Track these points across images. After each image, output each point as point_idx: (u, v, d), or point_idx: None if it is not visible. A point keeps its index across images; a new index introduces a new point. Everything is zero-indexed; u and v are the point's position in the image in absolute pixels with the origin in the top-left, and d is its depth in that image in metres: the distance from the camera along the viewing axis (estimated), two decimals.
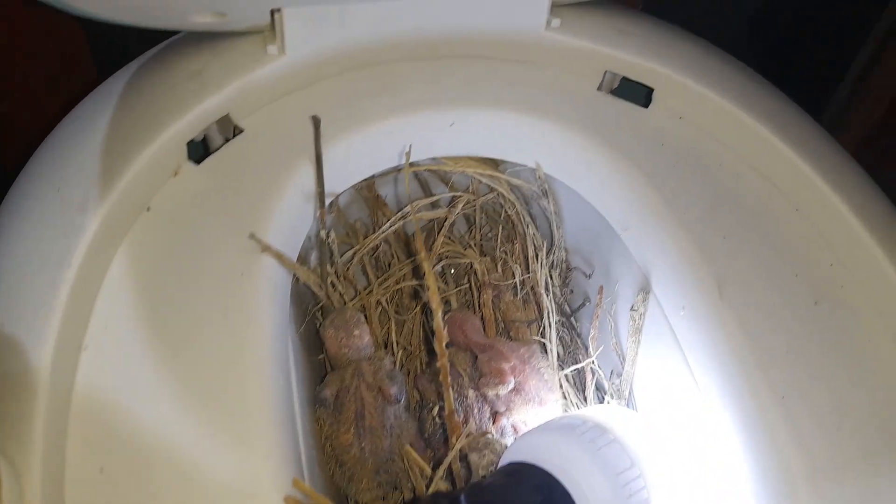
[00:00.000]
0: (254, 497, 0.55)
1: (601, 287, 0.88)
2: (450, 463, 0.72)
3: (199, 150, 0.72)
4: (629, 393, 0.85)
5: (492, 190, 0.93)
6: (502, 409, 0.82)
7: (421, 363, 0.91)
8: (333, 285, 0.86)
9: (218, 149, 0.73)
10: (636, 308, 0.81)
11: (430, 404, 0.83)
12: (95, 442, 0.56)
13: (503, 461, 0.72)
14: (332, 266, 0.87)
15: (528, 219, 0.91)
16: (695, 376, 0.72)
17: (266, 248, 0.70)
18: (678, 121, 0.86)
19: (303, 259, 0.82)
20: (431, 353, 0.92)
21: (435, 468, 0.79)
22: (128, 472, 0.55)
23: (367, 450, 0.74)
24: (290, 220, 0.75)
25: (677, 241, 0.76)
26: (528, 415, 0.82)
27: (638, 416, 0.76)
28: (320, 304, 0.83)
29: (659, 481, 0.67)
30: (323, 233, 0.80)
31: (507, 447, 0.76)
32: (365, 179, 0.85)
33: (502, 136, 0.85)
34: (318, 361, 0.84)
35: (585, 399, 0.87)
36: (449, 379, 0.68)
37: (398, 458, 0.77)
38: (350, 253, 0.91)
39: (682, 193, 0.79)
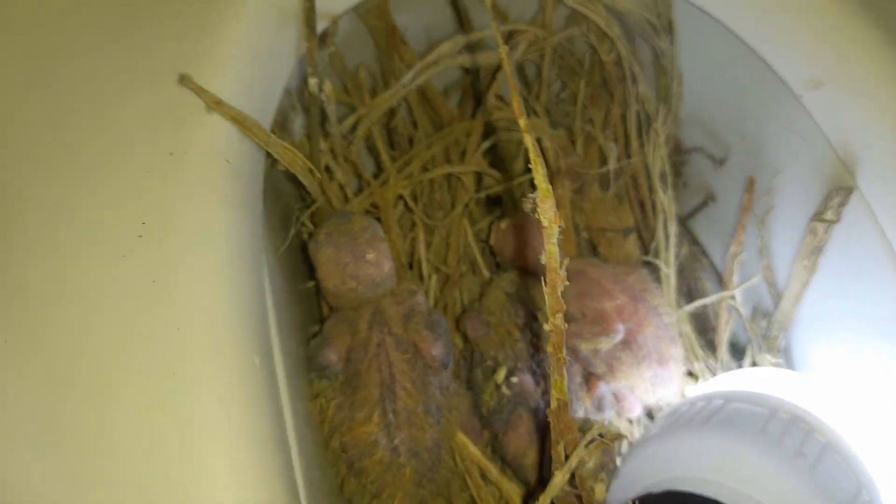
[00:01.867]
0: None
1: (752, 179, 0.56)
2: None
3: None
4: (784, 347, 0.55)
5: (576, 21, 0.59)
6: (601, 371, 0.52)
7: (465, 294, 0.59)
8: (330, 171, 0.53)
9: None
10: (825, 215, 0.50)
11: (488, 361, 0.53)
12: None
13: (630, 477, 0.43)
14: (326, 139, 0.53)
15: (636, 67, 0.57)
16: None
17: (215, 104, 0.36)
18: None
19: (279, 128, 0.48)
20: (477, 273, 0.61)
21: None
22: None
23: (401, 449, 0.44)
24: (255, 56, 0.41)
25: None
26: (642, 379, 0.52)
27: (842, 397, 0.47)
28: (311, 206, 0.49)
29: None
30: (313, 82, 0.46)
31: (619, 437, 0.47)
32: None
33: None
34: (307, 295, 0.53)
35: (715, 354, 0.57)
36: (564, 353, 0.37)
37: (448, 456, 0.47)
38: (351, 120, 0.57)
39: None
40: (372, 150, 0.60)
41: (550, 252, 0.35)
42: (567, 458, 0.39)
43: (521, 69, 0.66)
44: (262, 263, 0.39)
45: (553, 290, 0.35)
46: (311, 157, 0.49)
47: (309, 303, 0.53)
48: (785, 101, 0.52)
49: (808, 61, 0.49)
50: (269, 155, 0.42)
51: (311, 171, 0.45)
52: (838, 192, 0.49)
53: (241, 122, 0.38)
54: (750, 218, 0.56)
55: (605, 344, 0.51)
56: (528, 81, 0.66)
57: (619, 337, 0.51)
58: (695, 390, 0.50)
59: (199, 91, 0.36)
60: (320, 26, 0.46)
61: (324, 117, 0.50)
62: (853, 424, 0.44)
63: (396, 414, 0.44)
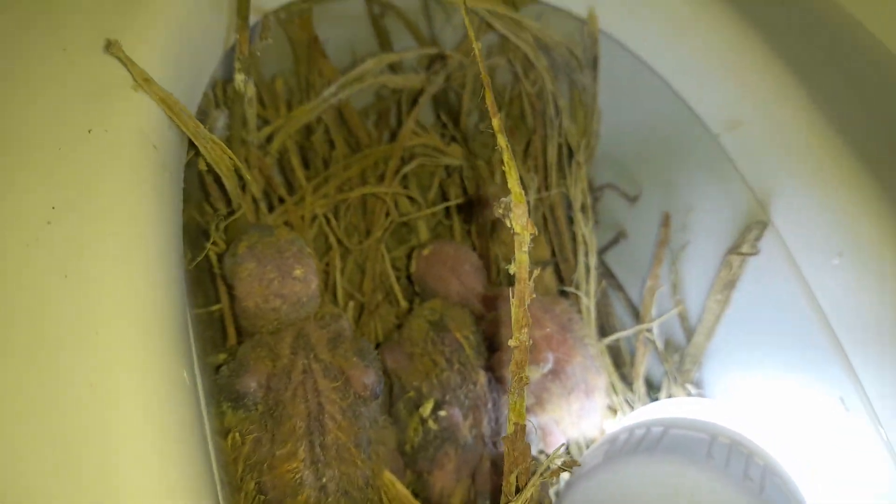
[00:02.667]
0: None
1: (667, 214, 0.58)
2: None
3: None
4: (697, 379, 0.57)
5: (502, 51, 0.59)
6: (529, 403, 0.50)
7: (380, 325, 0.55)
8: (242, 181, 0.48)
9: None
10: (742, 248, 0.52)
11: (411, 392, 0.49)
12: None
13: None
14: (242, 146, 0.48)
15: (561, 100, 0.58)
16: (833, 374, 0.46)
17: (144, 81, 0.31)
18: None
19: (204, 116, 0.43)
20: (393, 303, 0.57)
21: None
22: None
23: (330, 488, 0.38)
24: (186, 36, 0.37)
25: (830, 144, 0.48)
26: (570, 411, 0.51)
27: (760, 422, 0.48)
28: (229, 215, 0.44)
29: None
30: (240, 78, 0.42)
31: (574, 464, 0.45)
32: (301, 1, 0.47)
33: None
34: (210, 322, 0.47)
35: (632, 387, 0.57)
36: (527, 372, 0.34)
37: (375, 496, 0.43)
38: (267, 131, 0.52)
39: (831, 69, 0.51)
40: (285, 167, 0.55)
41: (521, 261, 0.33)
42: (518, 489, 0.36)
43: (444, 95, 0.65)
44: (182, 268, 0.34)
45: (520, 302, 0.33)
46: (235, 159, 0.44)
47: (212, 329, 0.47)
48: (701, 141, 0.54)
49: (725, 102, 0.52)
50: (190, 144, 0.37)
51: (235, 174, 0.40)
52: (755, 225, 0.51)
53: (170, 105, 0.33)
54: (665, 252, 0.57)
55: (535, 373, 0.49)
56: (450, 109, 0.65)
57: (549, 367, 0.49)
58: (626, 419, 0.49)
59: (128, 62, 0.31)
60: (252, 17, 0.42)
61: (244, 121, 0.45)
62: (777, 448, 0.45)
63: (325, 448, 0.39)
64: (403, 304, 0.57)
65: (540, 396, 0.50)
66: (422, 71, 0.59)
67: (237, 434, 0.39)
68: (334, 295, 0.54)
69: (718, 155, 0.53)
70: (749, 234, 0.51)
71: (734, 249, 0.52)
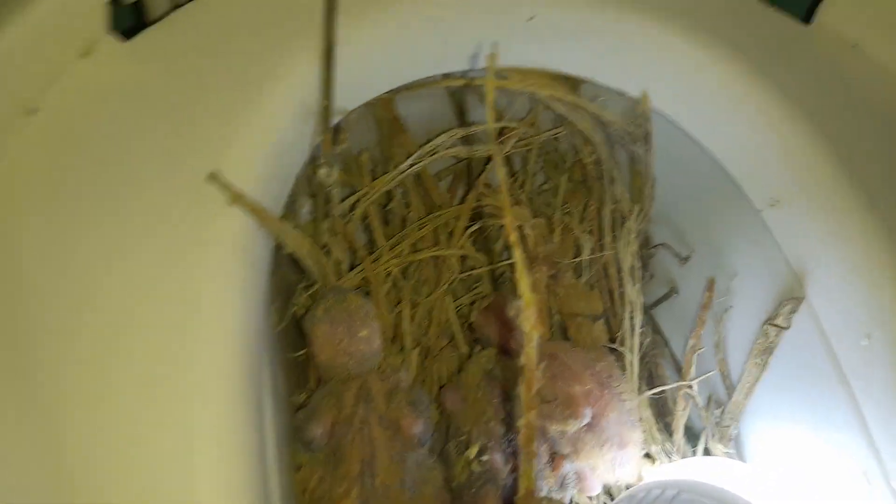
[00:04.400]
0: None
1: (712, 280, 0.62)
2: None
3: (129, 16, 0.42)
4: (735, 435, 0.60)
5: (562, 123, 0.64)
6: (566, 451, 0.56)
7: (444, 368, 0.63)
8: (328, 248, 0.57)
9: (162, 17, 0.43)
10: (776, 321, 0.55)
11: (462, 436, 0.57)
12: None
13: None
14: (327, 218, 0.57)
15: (615, 171, 0.63)
16: (853, 447, 0.48)
17: (237, 199, 0.40)
18: (851, 50, 0.59)
19: (288, 211, 0.52)
20: (455, 348, 0.65)
21: None
22: None
23: None
24: (275, 148, 0.46)
25: (864, 229, 0.50)
26: (603, 460, 0.56)
27: (790, 491, 0.52)
28: (311, 285, 0.53)
29: None
30: (324, 172, 0.51)
31: None
32: (385, 93, 0.55)
33: (599, 44, 0.56)
34: (297, 364, 0.56)
35: (672, 438, 0.61)
36: (535, 447, 0.41)
37: None
38: (351, 200, 0.61)
39: (868, 157, 0.53)
40: (367, 228, 0.64)
41: (529, 355, 0.39)
42: None
43: (508, 160, 0.71)
44: (262, 341, 0.43)
45: (529, 389, 0.40)
46: (315, 239, 0.53)
47: (297, 372, 0.57)
48: (746, 213, 0.57)
49: (769, 180, 0.55)
50: (277, 241, 0.46)
51: (316, 256, 0.49)
52: (790, 301, 0.54)
53: (258, 213, 0.42)
54: (709, 315, 0.61)
55: (573, 426, 0.55)
56: (514, 172, 0.71)
57: (586, 420, 0.55)
58: (651, 475, 0.55)
59: (224, 184, 0.40)
60: (335, 118, 0.51)
61: (328, 204, 0.54)
62: None
63: (374, 489, 0.47)
64: (464, 349, 0.64)
65: (576, 446, 0.56)
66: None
67: (306, 470, 0.48)
68: (403, 341, 0.62)
69: (761, 228, 0.56)
70: (784, 307, 0.55)
71: (770, 321, 0.56)
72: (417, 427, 0.50)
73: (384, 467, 0.48)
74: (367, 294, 0.62)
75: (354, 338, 0.50)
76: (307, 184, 0.52)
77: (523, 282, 0.38)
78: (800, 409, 0.55)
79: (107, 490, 0.33)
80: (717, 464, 0.54)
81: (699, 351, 0.61)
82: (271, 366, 0.49)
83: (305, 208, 0.51)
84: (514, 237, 0.39)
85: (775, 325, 0.55)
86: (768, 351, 0.57)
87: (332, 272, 0.58)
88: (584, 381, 0.57)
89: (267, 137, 0.44)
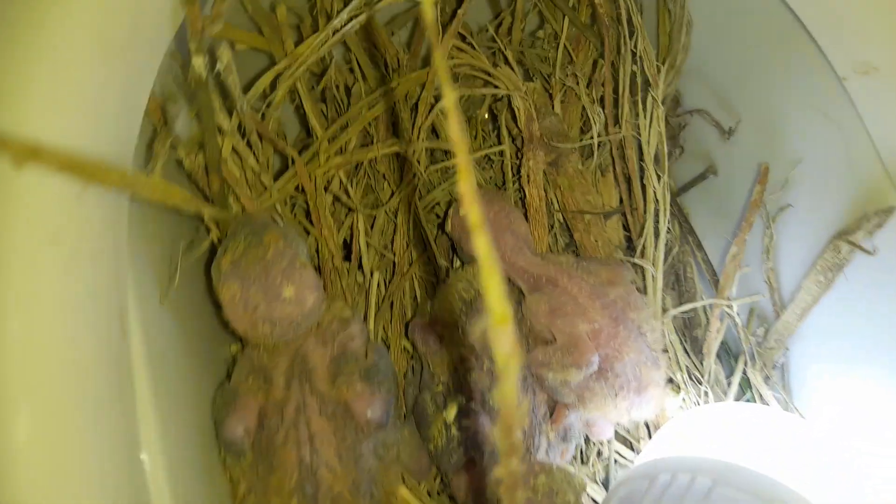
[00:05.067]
0: None
1: (765, 168, 0.46)
2: None
3: None
4: (782, 365, 0.48)
5: None
6: (570, 401, 0.44)
7: (415, 285, 0.50)
8: (239, 156, 0.41)
9: None
10: (855, 236, 0.40)
11: (439, 386, 0.45)
12: None
13: None
14: (230, 117, 0.41)
15: (637, 17, 0.44)
16: None
17: (28, 155, 0.24)
18: None
19: (158, 117, 0.35)
20: (429, 264, 0.51)
21: None
22: None
23: None
24: (103, 52, 0.28)
25: None
26: (616, 408, 0.45)
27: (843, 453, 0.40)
28: (189, 245, 0.38)
29: None
30: (199, 62, 0.33)
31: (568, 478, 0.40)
32: None
33: None
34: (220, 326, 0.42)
35: (701, 369, 0.49)
36: (520, 494, 0.28)
37: None
38: (267, 78, 0.44)
39: None
40: (299, 111, 0.47)
41: (506, 393, 0.25)
42: None
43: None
44: (124, 357, 0.29)
45: (508, 432, 0.26)
46: (207, 157, 0.37)
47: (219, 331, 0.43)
48: (822, 79, 0.40)
49: (861, 40, 0.37)
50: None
51: (206, 183, 0.33)
52: (876, 214, 0.39)
53: (75, 168, 0.26)
54: (759, 214, 0.46)
55: (576, 377, 0.43)
56: (499, 11, 0.52)
57: (593, 369, 0.43)
58: (667, 438, 0.43)
59: None
60: None
61: (224, 95, 0.37)
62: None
63: (318, 501, 0.36)
64: (442, 262, 0.50)
65: (583, 395, 0.44)
66: None
67: (233, 474, 0.37)
68: (358, 256, 0.48)
69: (843, 102, 0.40)
70: (868, 222, 0.40)
71: (846, 234, 0.41)
72: (374, 409, 0.37)
73: (330, 471, 0.36)
74: (307, 212, 0.47)
75: (276, 300, 0.36)
76: (179, 84, 0.35)
77: (493, 288, 0.22)
78: (869, 345, 0.43)
79: None
80: (757, 418, 0.43)
81: (740, 259, 0.47)
82: (178, 339, 0.36)
83: (181, 116, 0.35)
84: (465, 171, 0.23)
85: (851, 243, 0.41)
86: (837, 268, 0.43)
87: (253, 187, 0.42)
88: (593, 315, 0.43)
89: (78, 35, 0.27)
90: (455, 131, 0.22)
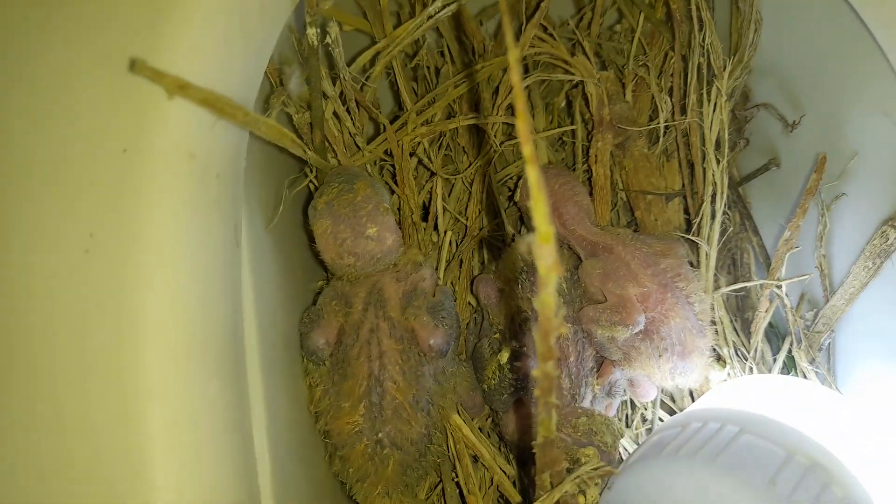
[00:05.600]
0: None
1: (823, 157, 0.48)
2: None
3: None
4: (829, 345, 0.50)
5: None
6: (616, 357, 0.49)
7: (483, 249, 0.55)
8: (339, 119, 0.48)
9: None
10: None
11: (496, 334, 0.50)
12: None
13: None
14: (335, 83, 0.48)
15: (706, 13, 0.48)
16: None
17: (179, 87, 0.32)
18: None
19: (276, 77, 0.43)
20: (498, 231, 0.56)
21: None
22: None
23: (385, 442, 0.42)
24: (235, 14, 0.36)
25: None
26: (660, 369, 0.48)
27: (879, 428, 0.43)
28: (306, 176, 0.45)
29: None
30: (312, 32, 0.40)
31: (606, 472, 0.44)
32: None
33: None
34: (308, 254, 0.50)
35: (748, 346, 0.52)
36: (553, 398, 0.33)
37: (439, 438, 0.46)
38: (367, 55, 0.50)
39: None
40: (392, 87, 0.54)
41: (545, 301, 0.30)
42: (553, 485, 0.37)
43: None
44: (236, 261, 0.36)
45: (545, 338, 0.31)
46: (312, 116, 0.44)
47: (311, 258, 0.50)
48: (883, 80, 0.43)
49: None
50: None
51: (310, 137, 0.40)
52: None
53: (212, 103, 0.33)
54: (814, 202, 0.49)
55: (622, 334, 0.47)
56: (581, 6, 0.57)
57: (639, 328, 0.47)
58: (710, 400, 0.46)
59: (156, 76, 0.31)
60: None
61: (329, 67, 0.44)
62: (884, 470, 0.40)
63: (383, 408, 0.42)
64: (509, 229, 0.55)
65: (628, 353, 0.48)
66: None
67: (312, 381, 0.43)
68: (435, 217, 0.54)
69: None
70: None
71: (892, 220, 0.43)
72: (436, 338, 0.43)
73: (394, 384, 0.42)
74: (393, 174, 0.53)
75: (361, 237, 0.43)
76: (295, 49, 0.42)
77: (539, 211, 0.28)
78: None
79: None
80: (797, 388, 0.45)
81: (794, 250, 0.49)
82: (272, 268, 0.43)
83: (294, 79, 0.42)
84: (527, 142, 0.28)
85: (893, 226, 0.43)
86: (884, 254, 0.45)
87: (348, 146, 0.49)
88: (642, 281, 0.47)
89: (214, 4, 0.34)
90: (519, 93, 0.28)
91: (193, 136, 0.33)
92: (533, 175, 0.28)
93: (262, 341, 0.39)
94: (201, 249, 0.32)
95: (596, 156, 0.53)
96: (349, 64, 0.49)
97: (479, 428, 0.51)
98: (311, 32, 0.40)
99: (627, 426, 0.54)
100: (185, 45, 0.32)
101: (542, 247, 0.29)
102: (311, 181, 0.47)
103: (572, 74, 0.53)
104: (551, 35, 0.54)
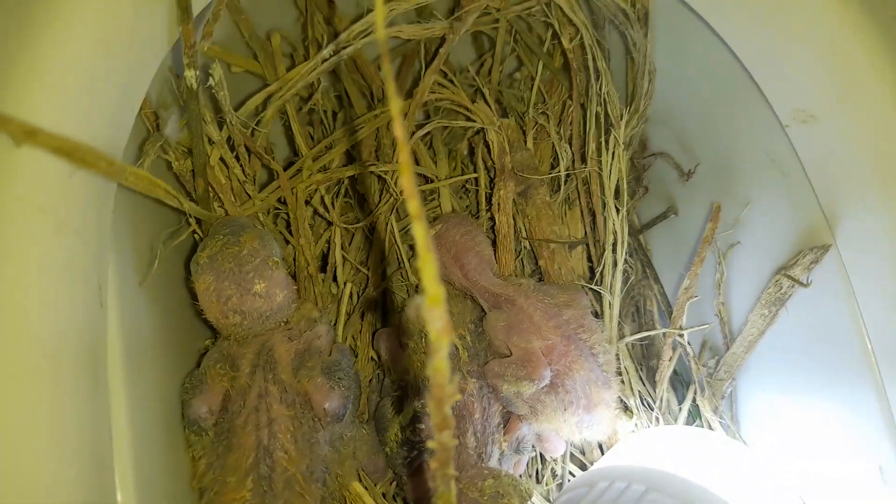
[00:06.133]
0: None
1: (717, 206, 0.49)
2: None
3: None
4: (729, 393, 0.50)
5: None
6: (523, 412, 0.47)
7: (387, 298, 0.53)
8: (227, 166, 0.45)
9: None
10: (793, 271, 0.43)
11: (397, 391, 0.47)
12: None
13: None
14: (221, 129, 0.44)
15: (602, 63, 0.48)
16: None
17: (25, 134, 0.28)
18: None
19: (152, 121, 0.39)
20: (402, 280, 0.54)
21: None
22: None
23: None
24: (104, 54, 0.32)
25: None
26: (567, 423, 0.47)
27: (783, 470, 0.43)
28: (171, 235, 0.42)
29: None
30: (190, 75, 0.37)
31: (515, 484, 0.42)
32: None
33: None
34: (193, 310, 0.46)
35: (654, 395, 0.52)
36: (452, 469, 0.31)
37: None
38: (258, 98, 0.48)
39: None
40: (288, 132, 0.51)
41: (438, 368, 0.28)
42: None
43: (475, 37, 0.57)
44: (99, 325, 0.32)
45: (440, 406, 0.29)
46: (194, 163, 0.40)
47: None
48: (768, 128, 0.44)
49: (800, 90, 0.41)
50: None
51: (192, 185, 0.37)
52: (812, 250, 0.42)
53: (68, 151, 0.29)
54: (710, 250, 0.49)
55: (528, 389, 0.45)
56: (482, 53, 0.57)
57: (545, 383, 0.45)
58: (616, 456, 0.45)
59: (0, 122, 0.27)
60: (199, 2, 0.36)
61: (217, 106, 0.41)
62: None
63: (273, 481, 0.38)
64: (413, 279, 0.53)
65: (535, 408, 0.46)
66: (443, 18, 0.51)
67: (193, 453, 0.39)
68: (335, 275, 0.51)
69: (785, 149, 0.43)
70: (804, 256, 0.43)
71: (785, 269, 0.44)
72: (332, 402, 0.40)
73: (285, 455, 0.38)
74: (287, 223, 0.50)
75: (247, 293, 0.39)
76: (172, 91, 0.39)
77: (427, 272, 0.26)
78: (809, 377, 0.45)
79: None
80: (701, 440, 0.45)
81: (693, 299, 0.49)
82: (152, 320, 0.39)
83: (172, 123, 0.38)
84: (412, 197, 0.26)
85: (790, 277, 0.43)
86: (779, 302, 0.46)
87: (237, 195, 0.46)
88: (546, 333, 0.46)
89: (84, 38, 0.31)
90: (403, 144, 0.26)
91: (45, 188, 0.29)
92: (420, 233, 0.26)
93: (133, 415, 0.34)
94: (51, 316, 0.28)
95: (499, 204, 0.52)
96: (239, 107, 0.46)
97: (383, 493, 0.48)
98: (190, 74, 0.37)
99: (538, 482, 0.53)
100: (37, 87, 0.29)
101: (431, 310, 0.26)
102: (194, 232, 0.43)
103: (474, 121, 0.52)
104: (451, 81, 0.53)
